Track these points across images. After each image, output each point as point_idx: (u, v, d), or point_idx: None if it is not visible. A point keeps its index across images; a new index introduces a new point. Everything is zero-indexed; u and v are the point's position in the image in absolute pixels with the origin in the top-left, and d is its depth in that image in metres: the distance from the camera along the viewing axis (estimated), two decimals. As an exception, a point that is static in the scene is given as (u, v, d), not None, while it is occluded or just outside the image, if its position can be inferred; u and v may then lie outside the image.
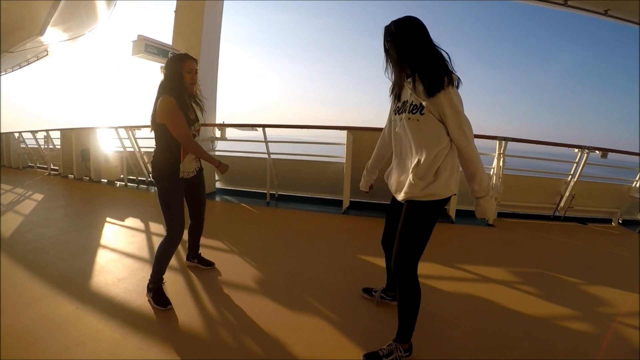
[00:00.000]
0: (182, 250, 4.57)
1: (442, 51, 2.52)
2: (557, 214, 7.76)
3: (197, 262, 4.32)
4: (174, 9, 8.73)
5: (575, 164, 7.49)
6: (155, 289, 3.47)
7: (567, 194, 7.54)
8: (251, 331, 3.06)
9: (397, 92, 2.75)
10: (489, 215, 2.46)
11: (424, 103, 2.48)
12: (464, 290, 3.98)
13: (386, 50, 2.62)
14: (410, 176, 2.59)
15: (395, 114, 2.77)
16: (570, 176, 7.57)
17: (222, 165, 3.66)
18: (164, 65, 3.45)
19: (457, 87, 2.51)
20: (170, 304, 3.36)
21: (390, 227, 3.15)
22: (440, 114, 2.47)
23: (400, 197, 2.75)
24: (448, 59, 2.51)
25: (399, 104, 2.72)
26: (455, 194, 2.73)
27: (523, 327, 3.34)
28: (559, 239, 6.36)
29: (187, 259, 4.37)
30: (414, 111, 2.54)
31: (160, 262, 3.50)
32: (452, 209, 6.89)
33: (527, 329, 3.30)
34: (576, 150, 7.39)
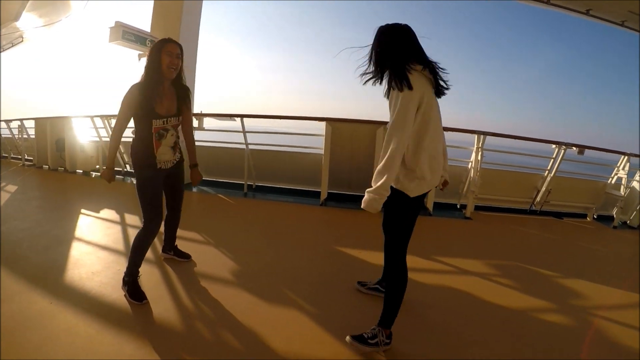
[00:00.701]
0: (157, 242, 4.53)
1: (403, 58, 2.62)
2: (533, 208, 7.87)
3: (173, 254, 4.26)
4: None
5: (552, 160, 7.57)
6: (131, 282, 3.40)
7: (543, 188, 7.63)
8: (228, 324, 3.04)
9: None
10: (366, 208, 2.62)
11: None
12: (442, 283, 4.02)
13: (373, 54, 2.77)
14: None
15: None
16: (547, 171, 7.66)
17: (106, 172, 3.45)
18: (142, 52, 3.33)
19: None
20: (145, 298, 3.30)
21: None
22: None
23: None
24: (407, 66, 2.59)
25: None
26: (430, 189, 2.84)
27: (500, 318, 3.40)
28: (534, 232, 6.47)
29: (163, 250, 4.31)
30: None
31: (136, 253, 3.43)
32: (430, 202, 6.93)
33: (505, 321, 3.36)
34: (554, 146, 7.49)
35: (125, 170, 10.01)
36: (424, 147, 2.63)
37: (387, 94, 2.69)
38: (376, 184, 2.56)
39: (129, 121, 3.34)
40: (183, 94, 3.55)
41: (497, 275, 4.29)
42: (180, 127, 3.61)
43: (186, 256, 4.27)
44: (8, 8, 10.67)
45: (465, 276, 4.21)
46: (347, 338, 2.82)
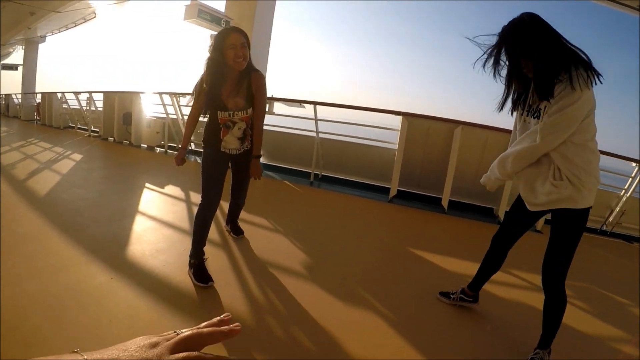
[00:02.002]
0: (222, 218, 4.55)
1: (571, 46, 2.38)
2: (604, 228, 7.42)
3: (230, 228, 4.34)
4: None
5: (630, 179, 7.14)
6: (197, 264, 3.27)
7: (617, 209, 7.19)
8: (301, 322, 2.86)
9: (523, 98, 2.68)
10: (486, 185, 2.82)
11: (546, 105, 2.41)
12: (516, 298, 3.82)
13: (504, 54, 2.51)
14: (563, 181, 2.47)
15: (531, 117, 2.64)
16: (623, 191, 7.22)
17: (179, 154, 3.55)
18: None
19: (593, 83, 2.33)
20: (212, 280, 3.16)
21: (511, 226, 3.08)
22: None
23: (540, 204, 2.62)
24: (582, 54, 2.35)
25: (534, 107, 2.59)
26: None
27: (574, 343, 3.17)
28: (605, 254, 6.09)
29: (226, 222, 4.44)
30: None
31: (196, 230, 3.36)
32: (502, 212, 6.62)
33: (578, 346, 3.15)
34: (634, 164, 7.04)
35: (190, 148, 10.04)
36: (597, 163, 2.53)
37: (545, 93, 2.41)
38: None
39: (201, 110, 3.43)
40: (255, 84, 3.38)
41: (571, 296, 4.00)
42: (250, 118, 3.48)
43: (239, 232, 4.31)
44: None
45: (538, 293, 3.97)
46: None
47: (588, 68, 2.29)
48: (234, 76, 3.25)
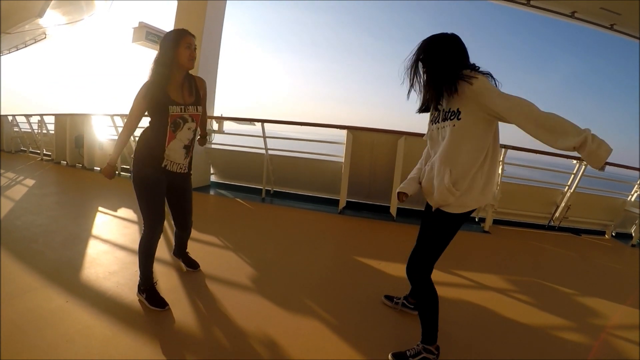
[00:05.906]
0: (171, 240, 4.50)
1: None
2: (551, 223, 7.75)
3: (182, 261, 4.09)
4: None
5: (572, 175, 7.47)
6: (148, 290, 3.28)
7: (562, 204, 7.52)
8: (247, 333, 2.98)
9: (434, 104, 2.70)
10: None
11: (460, 107, 2.46)
12: (460, 297, 3.95)
13: (418, 63, 2.63)
14: (445, 183, 2.54)
15: (434, 123, 2.75)
16: (567, 187, 7.55)
17: (108, 168, 3.20)
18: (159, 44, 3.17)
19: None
20: (167, 304, 3.20)
21: (421, 231, 3.14)
22: (481, 104, 2.37)
23: (432, 202, 2.76)
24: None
25: (438, 114, 2.69)
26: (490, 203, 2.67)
27: (519, 335, 3.34)
28: (553, 248, 6.34)
29: (173, 254, 4.18)
30: (451, 117, 2.51)
31: (143, 259, 3.29)
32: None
33: (522, 338, 3.31)
34: (574, 161, 7.33)
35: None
36: (493, 169, 2.59)
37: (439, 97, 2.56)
38: (580, 136, 1.95)
39: (142, 115, 3.18)
40: (202, 87, 3.41)
41: (516, 291, 4.21)
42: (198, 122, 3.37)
43: (194, 266, 4.07)
44: (32, 5, 10.77)
45: (483, 291, 4.14)
46: (389, 356, 2.78)
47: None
48: (181, 75, 3.20)
